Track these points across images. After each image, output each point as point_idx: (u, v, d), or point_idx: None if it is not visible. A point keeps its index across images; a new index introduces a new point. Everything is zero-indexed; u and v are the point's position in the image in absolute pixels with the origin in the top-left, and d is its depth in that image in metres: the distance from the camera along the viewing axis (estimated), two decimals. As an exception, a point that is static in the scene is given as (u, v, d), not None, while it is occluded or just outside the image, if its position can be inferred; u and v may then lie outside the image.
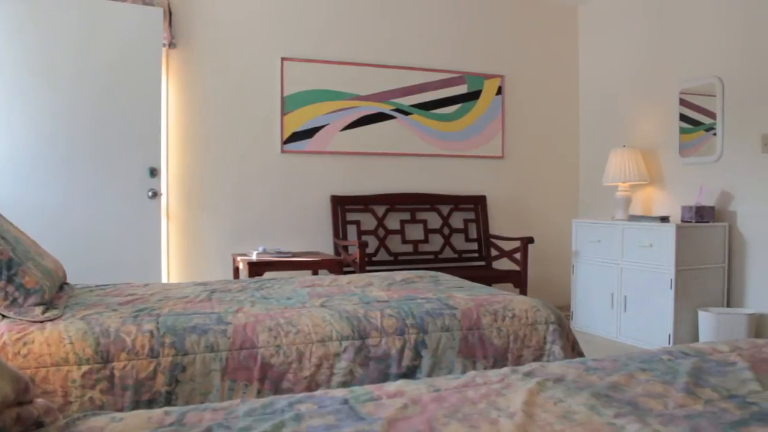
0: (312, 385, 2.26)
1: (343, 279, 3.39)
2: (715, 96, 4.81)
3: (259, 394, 2.19)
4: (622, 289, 4.87)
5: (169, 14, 4.70)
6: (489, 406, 1.45)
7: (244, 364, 2.21)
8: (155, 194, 4.55)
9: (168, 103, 4.82)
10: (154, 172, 4.55)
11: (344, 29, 5.31)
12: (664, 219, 4.69)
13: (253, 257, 4.49)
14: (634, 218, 4.96)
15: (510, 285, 5.17)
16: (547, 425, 1.34)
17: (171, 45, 4.76)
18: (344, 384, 2.28)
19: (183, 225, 4.90)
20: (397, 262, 5.34)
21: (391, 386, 1.58)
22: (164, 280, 4.75)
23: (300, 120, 5.15)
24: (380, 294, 2.87)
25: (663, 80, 5.27)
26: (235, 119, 5.01)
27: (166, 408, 1.44)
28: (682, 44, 5.11)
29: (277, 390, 2.21)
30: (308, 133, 5.18)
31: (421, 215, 5.51)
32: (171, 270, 4.86)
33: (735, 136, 4.68)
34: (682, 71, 5.10)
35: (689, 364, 1.83)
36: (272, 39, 5.09)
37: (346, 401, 1.47)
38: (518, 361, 2.57)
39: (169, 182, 4.83)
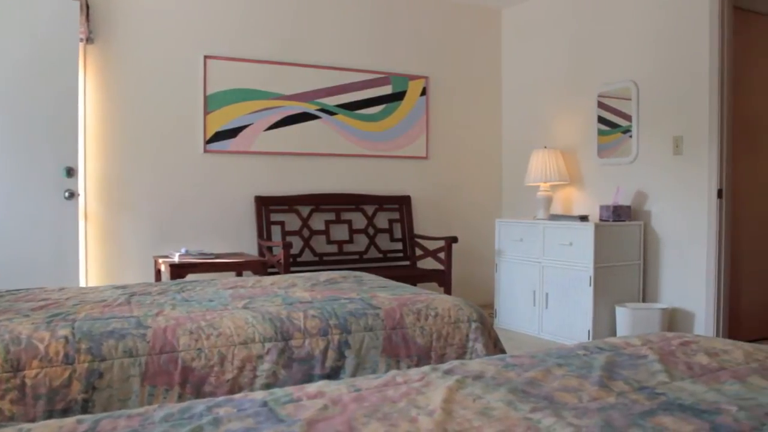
0: (235, 388, 2.23)
1: (267, 280, 3.36)
2: (630, 99, 4.98)
3: (180, 398, 2.15)
4: (544, 287, 4.98)
5: (87, 7, 4.56)
6: (409, 404, 1.47)
7: (165, 368, 2.16)
8: (72, 195, 4.40)
9: (85, 100, 4.68)
10: (70, 172, 4.40)
11: (269, 28, 5.26)
12: (584, 218, 4.82)
13: (175, 259, 4.40)
14: (554, 217, 5.08)
15: (434, 284, 5.22)
16: (465, 422, 1.36)
17: (88, 40, 4.62)
18: (267, 386, 2.26)
19: (102, 227, 4.76)
20: (322, 262, 5.33)
21: (312, 387, 1.57)
22: (82, 283, 4.61)
23: (223, 119, 5.07)
24: (304, 295, 2.86)
25: (582, 84, 5.42)
26: (157, 118, 4.90)
27: (79, 416, 1.40)
28: (600, 49, 5.27)
29: (198, 394, 2.17)
30: (232, 133, 5.11)
31: (346, 215, 5.51)
32: (89, 273, 4.72)
33: (649, 138, 4.86)
34: (600, 75, 5.26)
35: (603, 358, 1.89)
36: (195, 36, 5.00)
37: (265, 403, 1.46)
38: (441, 359, 2.60)
39: (86, 182, 4.69)
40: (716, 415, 1.42)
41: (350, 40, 5.59)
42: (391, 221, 5.69)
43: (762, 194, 4.84)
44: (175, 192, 4.96)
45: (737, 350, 2.03)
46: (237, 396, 1.53)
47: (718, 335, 4.40)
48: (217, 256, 4.67)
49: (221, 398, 1.50)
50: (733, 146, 4.47)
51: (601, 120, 5.24)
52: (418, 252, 5.66)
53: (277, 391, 1.55)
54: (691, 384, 1.68)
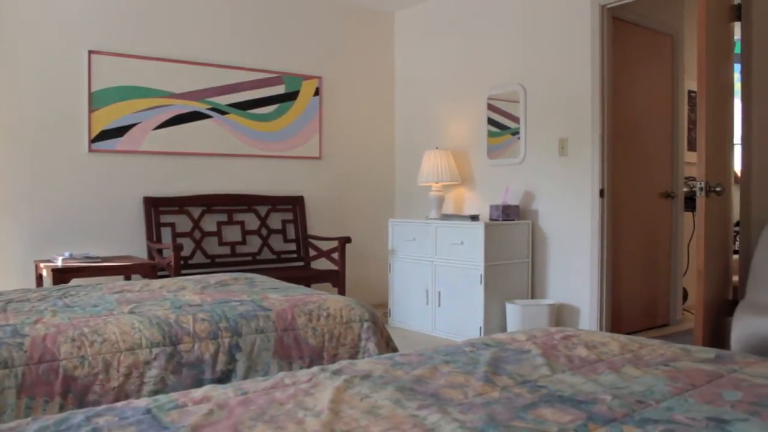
0: (121, 396, 2.16)
1: (155, 283, 3.27)
2: (519, 102, 5.13)
3: (62, 409, 2.06)
4: (436, 285, 5.07)
5: (-43, 0, 4.30)
6: (296, 406, 1.46)
7: (44, 378, 2.07)
8: (-58, 197, 4.15)
9: (-43, 97, 4.41)
10: (-60, 173, 4.14)
11: (157, 23, 5.11)
12: (474, 217, 4.94)
13: (58, 263, 4.21)
14: (446, 217, 5.18)
15: (329, 285, 5.22)
16: (352, 421, 1.37)
17: (-40, 34, 4.36)
18: (155, 393, 2.21)
19: (-24, 230, 4.50)
20: (214, 264, 5.23)
21: (198, 392, 1.55)
22: (-45, 290, 4.34)
23: (109, 117, 4.89)
24: (193, 298, 2.81)
25: (473, 86, 5.55)
26: (36, 114, 4.66)
27: (-58, 434, 1.32)
28: (490, 53, 5.41)
29: (81, 404, 2.09)
30: (119, 132, 4.93)
31: (238, 216, 5.43)
32: (-38, 279, 4.46)
33: (536, 140, 5.03)
34: (490, 78, 5.40)
35: (489, 354, 1.95)
36: (78, 29, 4.78)
37: (149, 411, 1.42)
38: (334, 359, 2.61)
39: (-41, 184, 4.42)
40: (592, 404, 1.49)
41: (242, 39, 5.51)
42: (284, 222, 5.65)
43: (639, 194, 5.10)
44: (58, 193, 4.74)
45: (614, 342, 2.14)
46: (119, 404, 1.48)
47: (600, 329, 4.60)
48: (104, 259, 4.51)
49: (102, 407, 1.45)
50: (613, 149, 4.69)
51: (491, 122, 5.39)
52: (312, 253, 5.65)
53: (162, 398, 1.52)
54: (571, 376, 1.75)
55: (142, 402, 1.49)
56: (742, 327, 3.29)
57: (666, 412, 1.44)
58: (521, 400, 1.53)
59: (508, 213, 4.94)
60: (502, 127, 5.30)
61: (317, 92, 5.87)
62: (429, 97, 6.03)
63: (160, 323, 2.39)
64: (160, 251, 4.85)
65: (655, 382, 1.69)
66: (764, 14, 3.78)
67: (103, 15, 4.88)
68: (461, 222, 4.92)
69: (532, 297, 5.03)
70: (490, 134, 5.40)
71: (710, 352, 2.04)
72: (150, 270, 4.39)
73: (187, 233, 5.15)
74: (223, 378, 2.37)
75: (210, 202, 5.27)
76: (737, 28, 3.89)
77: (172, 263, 4.49)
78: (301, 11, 5.82)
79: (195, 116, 5.25)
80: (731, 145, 3.96)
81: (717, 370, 1.81)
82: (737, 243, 4.04)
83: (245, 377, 2.40)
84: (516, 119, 5.17)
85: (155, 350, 2.28)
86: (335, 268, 5.24)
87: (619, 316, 4.89)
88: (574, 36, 4.73)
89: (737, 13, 3.86)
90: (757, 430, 1.33)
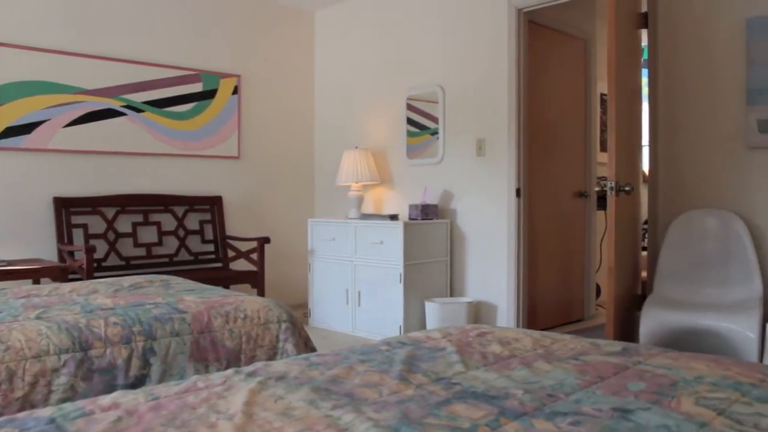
0: (26, 407, 2.08)
1: (65, 287, 3.16)
2: (438, 103, 5.19)
3: (-39, 421, 1.97)
4: (356, 285, 5.08)
5: None
6: (209, 410, 1.44)
7: (-59, 388, 1.97)
8: None
9: None
10: None
11: (68, 15, 4.92)
12: (393, 217, 4.97)
13: (-40, 267, 4.03)
14: (366, 217, 5.20)
15: (248, 286, 5.16)
16: (266, 423, 1.36)
17: None
18: (64, 401, 2.14)
19: None
20: (129, 267, 5.08)
21: (106, 399, 1.50)
22: None
23: (14, 114, 4.68)
24: (105, 301, 2.73)
25: (392, 86, 5.58)
26: (-64, 113, 4.44)
27: None
28: (409, 54, 5.45)
29: (-17, 415, 2.00)
30: (25, 129, 4.73)
31: (154, 217, 5.30)
32: None
33: (455, 140, 5.10)
34: (409, 79, 5.44)
35: (404, 352, 1.97)
36: (-20, 24, 4.58)
37: (53, 420, 1.37)
38: (251, 361, 2.58)
39: None
40: (504, 399, 1.52)
41: (159, 34, 5.37)
42: (202, 222, 5.55)
43: (554, 193, 5.24)
44: (-40, 194, 4.52)
45: (527, 338, 2.19)
46: (20, 414, 1.42)
47: (518, 325, 4.70)
48: (10, 263, 4.32)
49: (1, 419, 1.38)
50: (529, 149, 4.79)
51: (411, 122, 5.43)
52: (231, 253, 5.56)
53: (67, 406, 1.46)
54: (485, 372, 1.78)
55: (46, 411, 1.43)
56: (650, 320, 3.43)
57: (574, 405, 1.49)
58: (435, 398, 1.54)
59: (426, 212, 4.99)
60: (422, 127, 5.35)
61: (236, 91, 5.79)
62: (349, 96, 6.03)
63: (69, 328, 2.31)
64: (71, 253, 4.68)
65: (565, 375, 1.74)
66: (668, 22, 3.95)
67: (7, 4, 4.67)
68: (380, 221, 4.94)
69: (451, 295, 5.10)
70: (410, 134, 5.44)
71: (617, 346, 2.11)
72: (60, 273, 4.24)
73: (101, 234, 5.00)
74: (137, 383, 2.31)
75: (125, 203, 5.12)
76: (644, 35, 4.05)
77: (85, 266, 4.35)
78: (219, 8, 5.72)
79: (108, 114, 5.09)
80: (639, 146, 4.11)
81: (623, 362, 1.88)
82: (645, 240, 4.20)
83: (160, 382, 2.35)
84: (435, 119, 5.23)
85: (64, 357, 2.21)
86: (254, 268, 5.18)
87: (536, 313, 5.01)
88: (492, 39, 4.82)
89: (644, 21, 4.02)
90: (658, 418, 1.38)
